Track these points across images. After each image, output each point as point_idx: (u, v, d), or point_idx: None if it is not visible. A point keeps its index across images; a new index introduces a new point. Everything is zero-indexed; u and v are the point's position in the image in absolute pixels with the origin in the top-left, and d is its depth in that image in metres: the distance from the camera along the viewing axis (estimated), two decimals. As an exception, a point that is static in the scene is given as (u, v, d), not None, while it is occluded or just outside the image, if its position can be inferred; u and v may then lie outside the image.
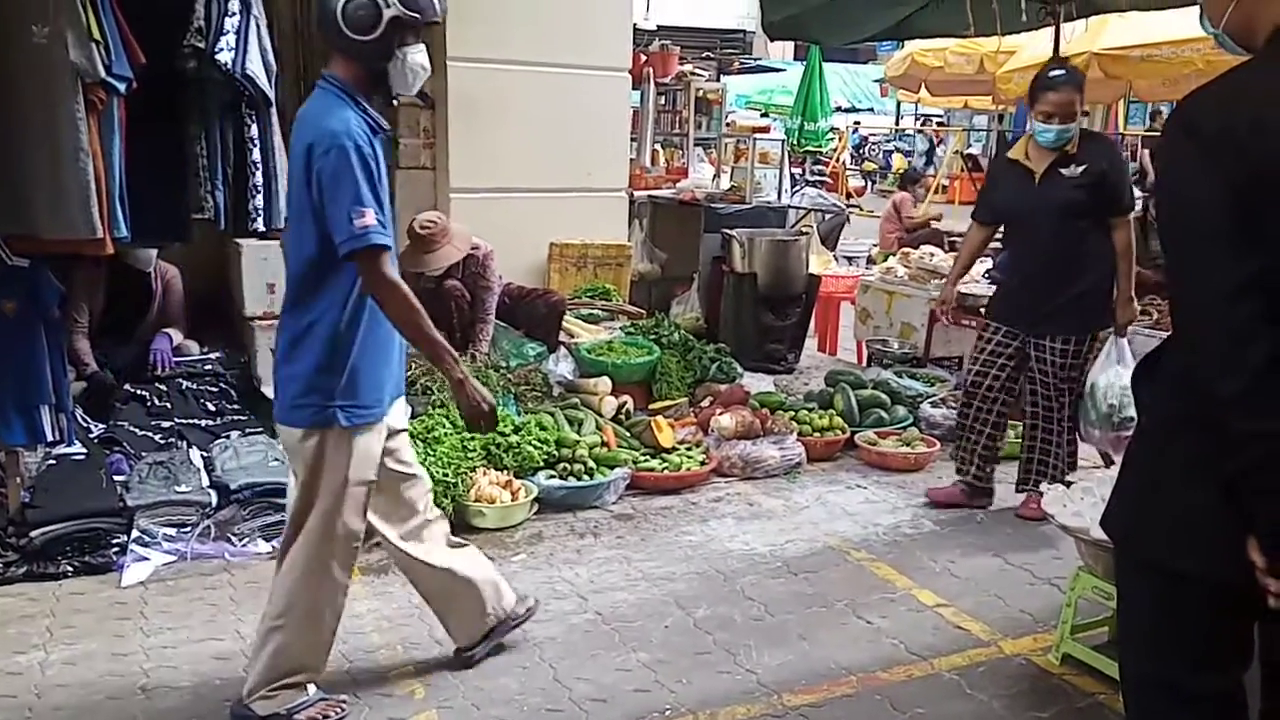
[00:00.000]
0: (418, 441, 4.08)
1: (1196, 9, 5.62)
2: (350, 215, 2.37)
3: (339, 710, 2.73)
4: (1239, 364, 1.41)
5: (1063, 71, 3.85)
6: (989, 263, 7.11)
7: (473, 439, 4.19)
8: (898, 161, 22.73)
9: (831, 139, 16.11)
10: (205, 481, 3.93)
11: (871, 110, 23.73)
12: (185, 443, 4.33)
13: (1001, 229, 4.27)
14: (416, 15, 2.47)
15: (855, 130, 22.53)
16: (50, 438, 3.79)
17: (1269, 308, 1.41)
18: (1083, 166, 3.83)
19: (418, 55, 2.53)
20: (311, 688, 2.70)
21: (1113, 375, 4.06)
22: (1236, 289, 1.42)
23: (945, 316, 4.93)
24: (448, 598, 2.93)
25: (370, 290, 2.47)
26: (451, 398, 2.72)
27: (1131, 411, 3.91)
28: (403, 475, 2.77)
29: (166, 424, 4.47)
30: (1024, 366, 4.16)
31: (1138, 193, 4.93)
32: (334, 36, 2.48)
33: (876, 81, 18.39)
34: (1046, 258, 3.92)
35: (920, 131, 23.81)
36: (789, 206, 7.94)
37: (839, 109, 18.63)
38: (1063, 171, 3.85)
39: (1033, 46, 8.38)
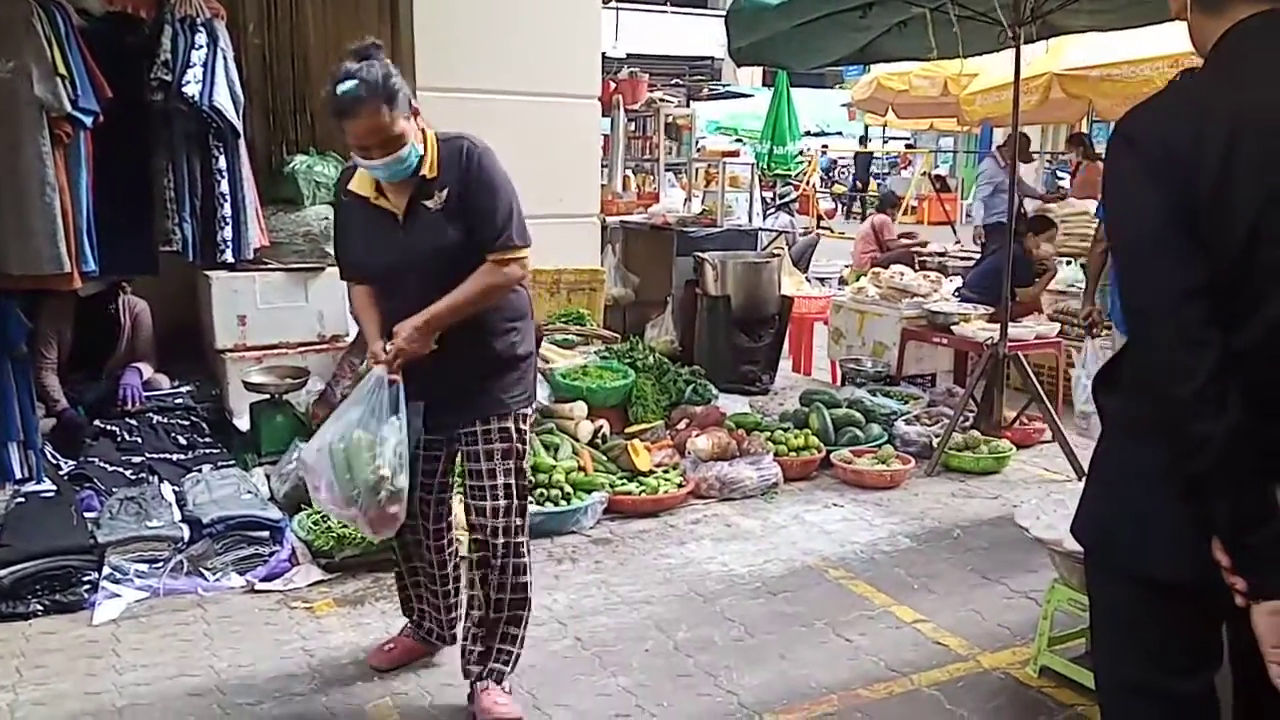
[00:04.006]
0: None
1: (1153, 29, 5.68)
2: None
3: None
4: (1190, 368, 1.44)
5: (353, 83, 2.52)
6: (958, 280, 7.22)
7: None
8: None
9: (801, 163, 16.25)
10: (177, 516, 3.89)
11: (840, 134, 24.00)
12: (156, 477, 4.29)
13: None
14: None
15: (824, 154, 22.79)
16: (19, 475, 3.75)
17: (1217, 313, 1.45)
18: (445, 190, 2.68)
19: None
20: None
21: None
22: (1184, 295, 1.45)
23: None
24: None
25: None
26: None
27: None
28: None
29: (137, 459, 4.43)
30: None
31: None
32: None
33: (844, 106, 18.60)
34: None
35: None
36: (760, 229, 7.99)
37: (808, 133, 18.83)
38: (427, 205, 2.68)
39: (995, 69, 8.52)
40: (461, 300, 2.68)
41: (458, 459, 2.95)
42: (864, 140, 23.10)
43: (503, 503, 2.82)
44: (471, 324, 2.72)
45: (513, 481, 2.84)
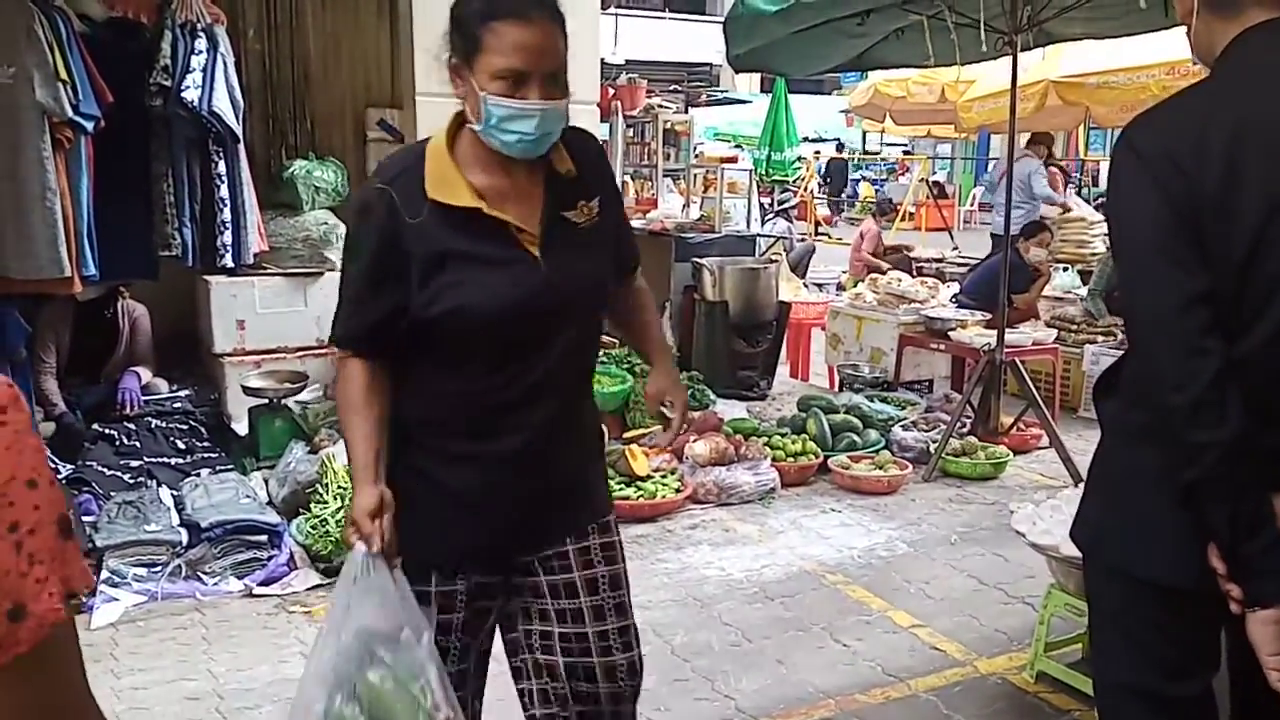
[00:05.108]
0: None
1: (1149, 37, 5.70)
2: None
3: None
4: (1190, 377, 1.44)
5: None
6: (955, 286, 7.24)
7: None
8: (865, 190, 23.07)
9: (799, 168, 16.29)
10: (175, 520, 3.89)
11: (838, 140, 24.07)
12: (155, 481, 4.29)
13: None
14: None
15: (816, 159, 22.85)
16: (17, 479, 3.74)
17: (1218, 322, 1.45)
18: (596, 198, 1.80)
19: None
20: None
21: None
22: (1185, 304, 1.46)
23: None
24: None
25: None
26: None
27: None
28: None
29: (135, 463, 4.42)
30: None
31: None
32: None
33: (842, 112, 18.65)
34: (558, 408, 1.79)
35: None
36: (758, 235, 8.01)
37: (806, 139, 18.88)
38: (572, 220, 1.77)
39: (991, 75, 8.54)
40: (655, 319, 2.05)
41: (519, 610, 1.88)
42: (841, 147, 23.16)
43: (633, 652, 1.90)
44: (585, 378, 1.92)
45: (630, 620, 1.92)
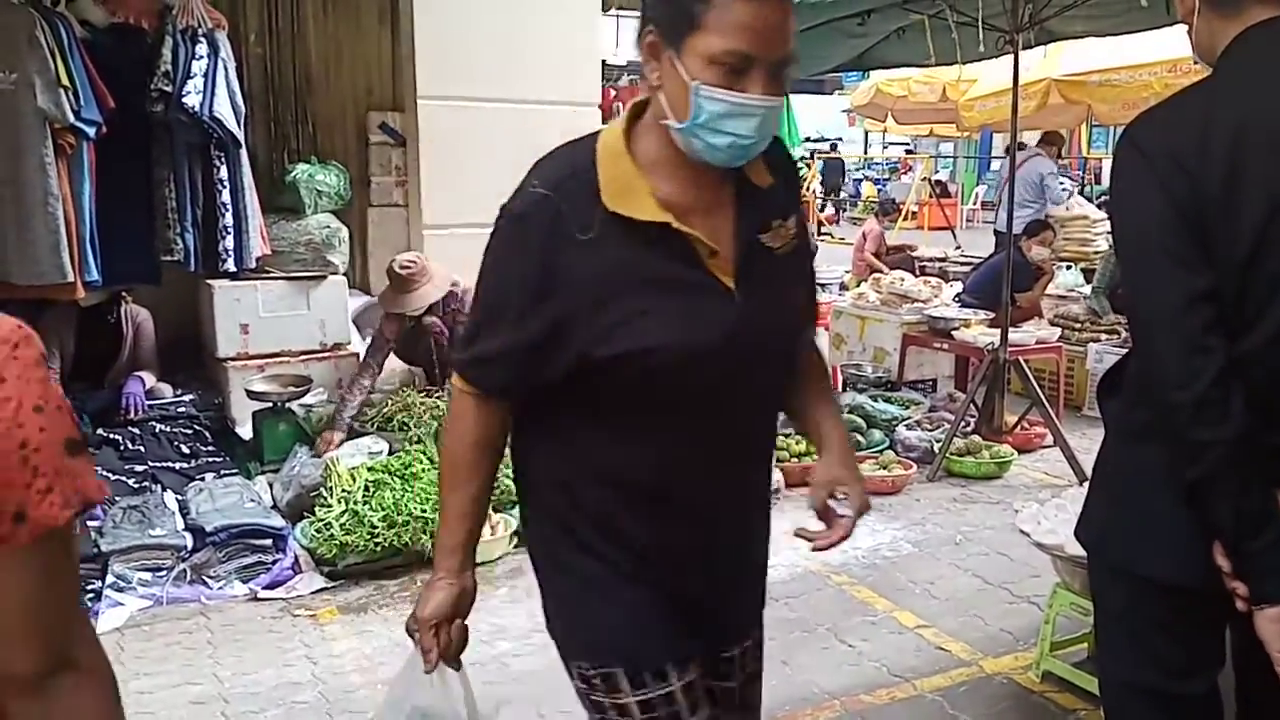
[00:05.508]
0: (394, 478, 4.06)
1: (1151, 34, 5.71)
2: None
3: None
4: (1193, 375, 1.44)
5: None
6: (959, 285, 7.23)
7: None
8: (867, 189, 23.07)
9: (802, 169, 16.32)
10: (180, 525, 3.89)
11: (840, 139, 24.08)
12: (159, 486, 4.29)
13: None
14: None
15: (821, 160, 22.87)
16: (21, 485, 3.75)
17: (1220, 320, 1.45)
18: (791, 217, 1.49)
19: None
20: None
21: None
22: (1188, 302, 1.46)
23: None
24: None
25: None
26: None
27: None
28: None
29: (140, 467, 4.42)
30: None
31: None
32: None
33: (844, 112, 18.67)
34: (741, 480, 1.63)
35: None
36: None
37: (808, 139, 18.90)
38: (768, 244, 1.45)
39: (993, 74, 8.54)
40: (828, 388, 1.74)
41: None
42: (834, 147, 23.17)
43: None
44: (773, 444, 1.72)
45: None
